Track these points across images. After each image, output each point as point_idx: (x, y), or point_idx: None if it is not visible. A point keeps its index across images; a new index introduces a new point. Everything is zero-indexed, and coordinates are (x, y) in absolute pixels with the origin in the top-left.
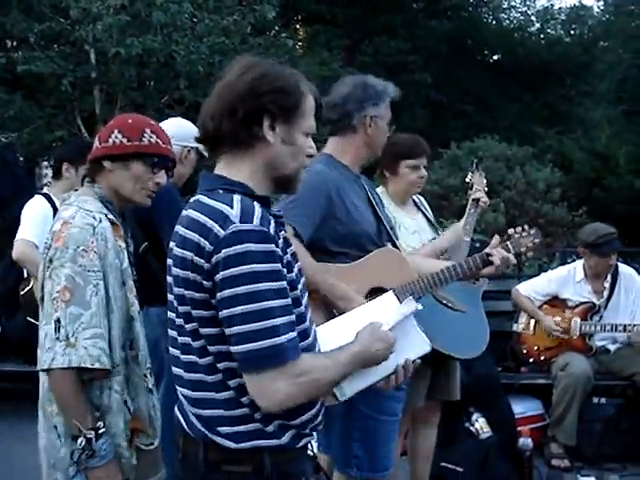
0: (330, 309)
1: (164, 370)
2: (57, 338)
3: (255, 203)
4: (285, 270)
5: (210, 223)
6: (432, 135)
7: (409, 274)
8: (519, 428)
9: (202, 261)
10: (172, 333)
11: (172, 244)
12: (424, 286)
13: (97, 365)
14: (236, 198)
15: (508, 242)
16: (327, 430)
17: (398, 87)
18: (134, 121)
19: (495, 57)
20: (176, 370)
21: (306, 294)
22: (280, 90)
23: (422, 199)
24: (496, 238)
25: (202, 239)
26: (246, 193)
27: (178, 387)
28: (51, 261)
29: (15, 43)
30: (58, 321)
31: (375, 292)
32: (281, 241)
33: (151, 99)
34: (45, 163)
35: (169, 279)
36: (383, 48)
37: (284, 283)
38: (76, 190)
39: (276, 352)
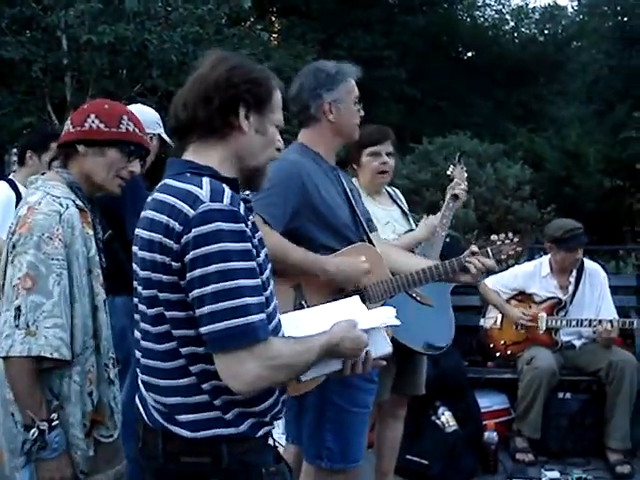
0: (297, 296)
1: (131, 360)
2: (17, 326)
3: (224, 185)
4: (254, 252)
5: (179, 204)
6: (406, 130)
7: (383, 272)
8: (485, 422)
9: (171, 242)
10: (137, 317)
11: (138, 230)
12: (398, 286)
13: (56, 355)
14: (205, 180)
15: (489, 248)
16: (298, 421)
17: (372, 82)
18: (111, 107)
19: (469, 54)
20: (138, 355)
21: (272, 280)
22: (254, 81)
23: (397, 191)
24: (473, 247)
25: (171, 220)
26: (214, 176)
27: (141, 374)
28: (14, 247)
29: None
30: (18, 309)
31: None
32: (250, 224)
33: (123, 87)
34: (14, 150)
35: (134, 265)
36: (358, 42)
37: (254, 263)
38: (43, 174)
39: (247, 331)
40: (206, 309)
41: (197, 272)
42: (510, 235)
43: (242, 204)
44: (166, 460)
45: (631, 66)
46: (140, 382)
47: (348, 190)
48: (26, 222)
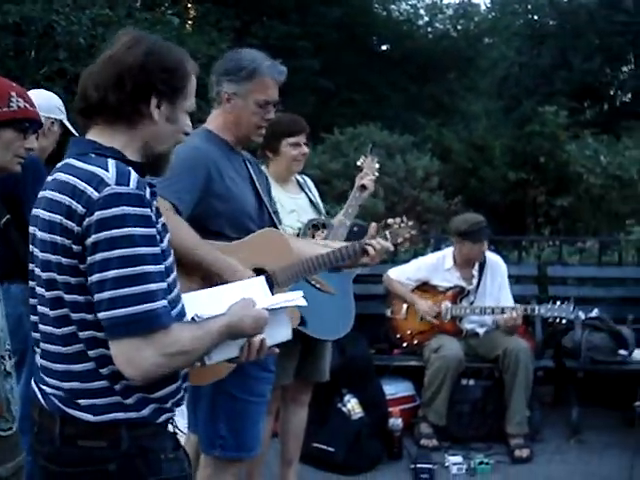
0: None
1: (28, 349)
2: None
3: (130, 168)
4: (158, 237)
5: (83, 185)
6: (319, 121)
7: (291, 256)
8: (390, 409)
9: (72, 224)
10: (32, 301)
11: (36, 210)
12: (305, 269)
13: None
14: (111, 162)
15: (387, 232)
16: (195, 410)
17: (287, 72)
18: None
19: (384, 47)
20: (35, 337)
21: (175, 266)
22: (169, 70)
23: (308, 180)
24: (373, 226)
25: (74, 202)
26: (119, 158)
27: (40, 358)
28: None
29: None
30: None
31: (257, 273)
32: (154, 209)
33: (29, 70)
34: None
35: (31, 247)
36: (273, 32)
37: (159, 249)
38: None
39: (149, 318)
40: (106, 294)
41: (98, 256)
42: (405, 219)
43: (148, 188)
44: (62, 444)
45: (540, 64)
46: (40, 367)
47: (255, 179)
48: None
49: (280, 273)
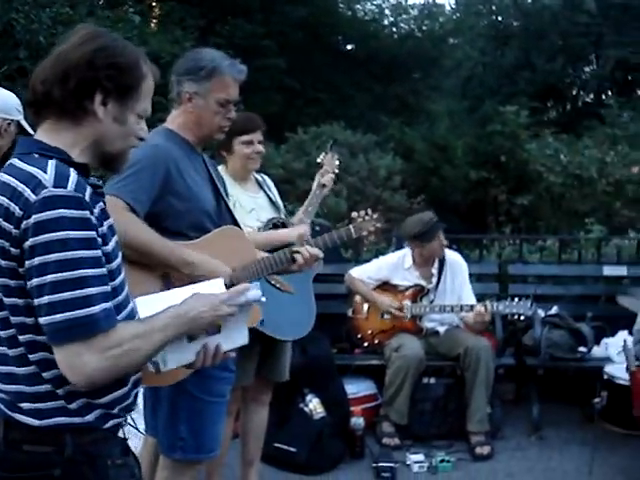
0: (165, 286)
1: None
2: None
3: (72, 170)
4: (100, 240)
5: (21, 187)
6: (285, 120)
7: (252, 254)
8: (352, 408)
9: (10, 227)
10: None
11: None
12: (262, 268)
13: None
14: (51, 163)
15: (351, 226)
16: (154, 412)
17: (251, 71)
18: None
19: (349, 47)
20: None
21: (123, 268)
22: (118, 67)
23: (267, 178)
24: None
25: (12, 204)
26: (63, 159)
27: None
28: None
29: None
30: None
31: None
32: (97, 211)
33: None
34: None
35: None
36: (238, 31)
37: (99, 252)
38: None
39: (88, 322)
40: (45, 299)
41: (36, 260)
42: (370, 212)
43: (89, 190)
44: (7, 448)
45: (503, 64)
46: None
47: (214, 177)
48: None
49: (241, 271)
